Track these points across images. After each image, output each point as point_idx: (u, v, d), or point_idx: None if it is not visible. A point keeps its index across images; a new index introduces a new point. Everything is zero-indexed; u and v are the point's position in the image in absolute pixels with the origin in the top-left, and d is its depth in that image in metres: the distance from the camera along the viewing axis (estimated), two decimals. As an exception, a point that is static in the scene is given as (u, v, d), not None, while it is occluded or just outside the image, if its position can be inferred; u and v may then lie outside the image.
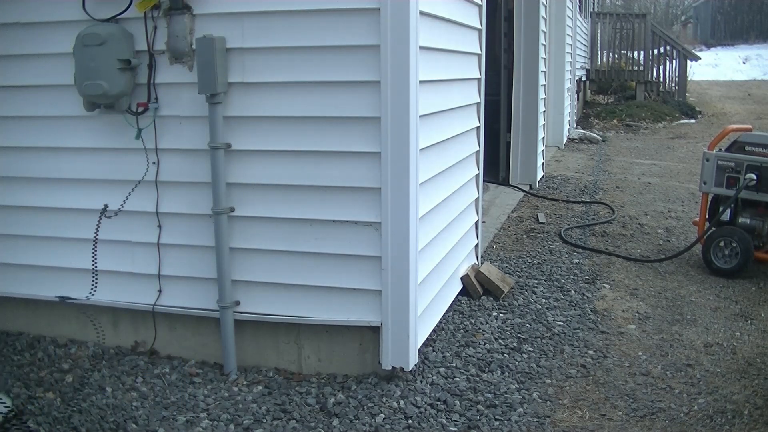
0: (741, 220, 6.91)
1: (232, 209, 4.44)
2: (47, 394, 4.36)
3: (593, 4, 24.04)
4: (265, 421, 4.06)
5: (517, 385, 4.50)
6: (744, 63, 49.20)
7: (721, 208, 6.98)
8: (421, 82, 4.29)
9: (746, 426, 4.17)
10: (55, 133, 4.78)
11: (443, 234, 5.10)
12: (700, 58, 25.59)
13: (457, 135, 5.34)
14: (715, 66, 42.29)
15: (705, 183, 7.05)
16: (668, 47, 22.95)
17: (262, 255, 4.50)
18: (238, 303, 4.53)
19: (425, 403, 4.24)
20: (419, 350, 4.63)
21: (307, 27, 4.21)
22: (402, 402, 4.23)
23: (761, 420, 4.24)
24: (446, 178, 5.12)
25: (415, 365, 4.54)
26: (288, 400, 4.25)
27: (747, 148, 6.88)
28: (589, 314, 5.66)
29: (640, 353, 5.06)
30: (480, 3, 5.80)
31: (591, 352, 5.03)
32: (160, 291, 4.68)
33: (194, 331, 4.72)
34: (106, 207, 4.69)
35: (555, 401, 4.35)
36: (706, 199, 7.17)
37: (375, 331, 4.42)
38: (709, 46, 61.43)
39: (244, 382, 4.46)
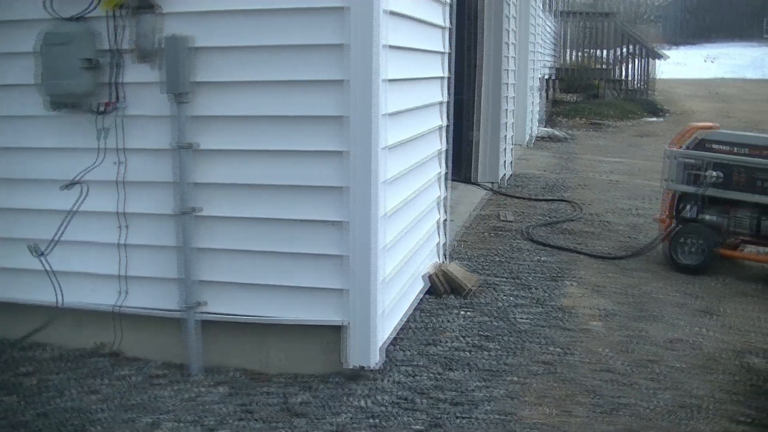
0: (705, 216, 6.96)
1: (199, 209, 4.42)
2: (8, 397, 4.31)
3: (560, 2, 24.10)
4: (229, 421, 4.04)
5: (481, 383, 4.50)
6: (710, 62, 49.52)
7: (684, 205, 7.03)
8: (386, 80, 4.30)
9: (708, 420, 4.20)
10: (18, 133, 4.73)
11: (408, 232, 5.11)
12: (667, 57, 25.74)
13: (422, 134, 5.35)
14: (682, 64, 42.54)
15: (669, 180, 7.10)
16: (635, 46, 23.09)
17: (228, 255, 4.49)
18: (203, 303, 4.51)
19: (390, 401, 4.24)
20: (384, 349, 4.63)
21: (274, 26, 4.22)
22: (366, 401, 4.23)
23: (723, 414, 4.28)
24: (411, 176, 5.13)
25: (380, 364, 4.54)
26: (252, 401, 4.23)
27: (710, 145, 6.93)
28: (553, 312, 5.68)
29: (604, 350, 5.08)
30: (446, 2, 5.81)
31: (555, 349, 5.05)
32: (124, 292, 4.65)
33: (159, 332, 4.70)
34: (72, 207, 4.66)
35: (519, 398, 4.36)
36: (669, 196, 7.22)
37: (339, 330, 4.42)
38: (675, 44, 61.75)
39: (208, 383, 4.44)
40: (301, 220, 4.34)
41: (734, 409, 4.34)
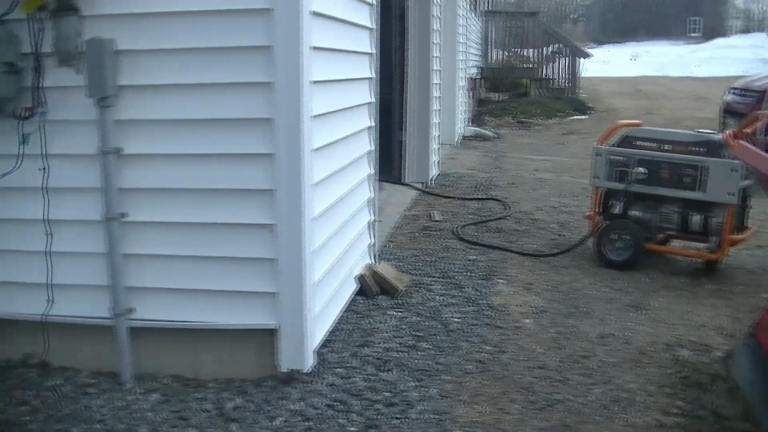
0: (632, 212, 7.05)
1: (125, 215, 4.36)
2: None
3: (486, 2, 24.26)
4: (162, 429, 3.99)
5: (415, 383, 4.51)
6: (634, 60, 50.24)
7: (612, 202, 7.11)
8: (313, 82, 4.28)
9: (641, 413, 4.26)
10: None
11: (338, 234, 5.10)
12: (592, 55, 26.09)
13: (350, 135, 5.34)
14: (606, 63, 43.13)
15: (596, 177, 7.18)
16: (560, 45, 23.35)
17: (157, 260, 4.44)
18: (133, 310, 4.45)
19: (324, 404, 4.22)
20: (317, 351, 4.61)
21: (199, 28, 4.17)
22: (301, 404, 4.21)
23: (654, 407, 4.34)
24: (340, 178, 5.12)
25: (313, 367, 4.52)
26: (185, 407, 4.19)
27: (636, 142, 7.02)
28: (485, 310, 5.71)
29: (536, 347, 5.12)
30: (372, 2, 5.81)
31: (488, 347, 5.07)
32: (51, 300, 4.57)
33: (89, 340, 4.62)
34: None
35: (453, 397, 4.37)
36: (597, 193, 7.29)
37: (272, 333, 4.39)
38: (599, 43, 62.59)
39: (141, 391, 4.38)
40: (231, 224, 4.31)
41: (666, 402, 4.40)
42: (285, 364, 4.41)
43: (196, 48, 4.19)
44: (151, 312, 4.47)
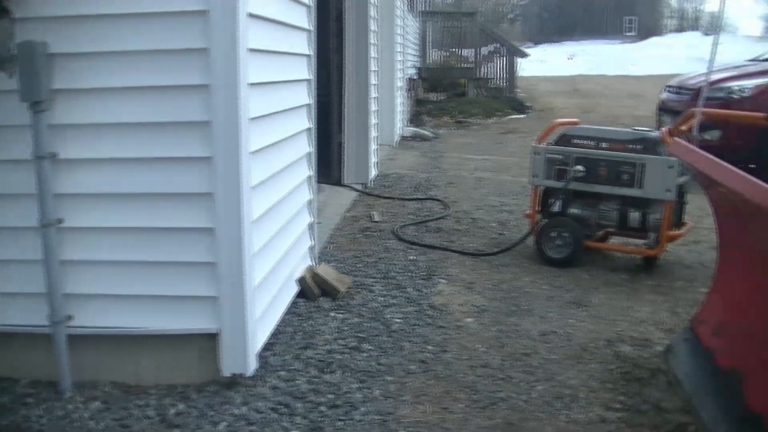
0: (571, 210, 7.10)
1: (61, 220, 4.30)
2: None
3: (423, 3, 24.34)
4: (103, 436, 3.96)
5: (358, 385, 4.50)
6: (571, 59, 50.63)
7: (551, 200, 7.16)
8: (251, 84, 4.26)
9: (583, 409, 4.29)
10: None
11: (278, 237, 5.08)
12: (529, 55, 26.28)
13: (288, 137, 5.32)
14: (543, 62, 43.44)
15: (535, 176, 7.22)
16: (497, 45, 23.48)
17: (95, 266, 4.38)
18: (71, 317, 4.39)
19: (267, 407, 4.20)
20: (259, 355, 4.59)
21: (136, 30, 4.12)
22: (244, 408, 4.18)
23: (597, 402, 4.37)
24: (279, 180, 5.10)
25: (256, 370, 4.50)
26: (127, 414, 4.13)
27: (574, 140, 7.07)
28: (426, 310, 5.71)
29: (478, 345, 5.13)
30: (309, 4, 5.79)
31: (430, 347, 5.08)
32: (-15, 309, 4.50)
33: (26, 349, 4.55)
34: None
35: (397, 398, 4.37)
36: (536, 191, 7.34)
37: (213, 338, 4.36)
38: (537, 42, 63.06)
39: (81, 399, 4.32)
40: (170, 228, 4.27)
41: (608, 397, 4.43)
42: (227, 369, 4.38)
43: (132, 51, 4.14)
44: (90, 319, 4.41)
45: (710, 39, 6.62)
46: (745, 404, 3.82)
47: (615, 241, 7.53)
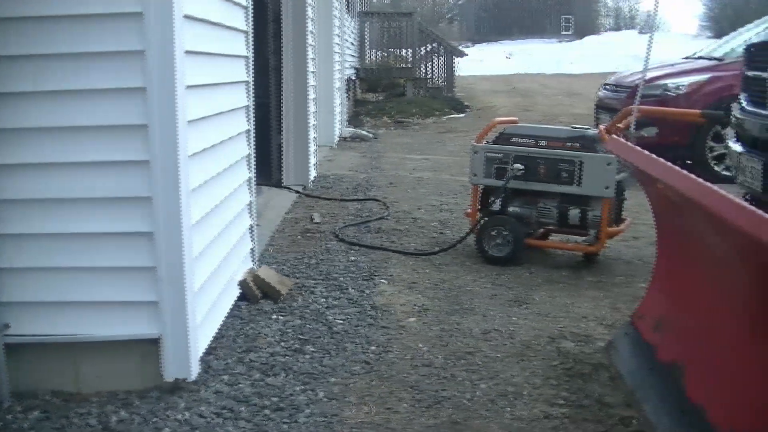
0: (511, 209, 7.14)
1: (-4, 227, 4.23)
2: None
3: (361, 3, 24.34)
4: (43, 446, 3.90)
5: (302, 387, 4.48)
6: (509, 58, 50.95)
7: (491, 199, 7.18)
8: (188, 87, 4.22)
9: (527, 406, 4.31)
10: None
11: (218, 240, 5.05)
12: (467, 54, 26.40)
13: (227, 139, 5.29)
14: (482, 61, 43.65)
15: (475, 175, 7.24)
16: (435, 44, 23.55)
17: (33, 273, 4.30)
18: (8, 326, 4.32)
19: (211, 412, 4.16)
20: (201, 359, 4.56)
21: (70, 33, 4.05)
22: (187, 413, 4.14)
23: (540, 399, 4.40)
24: (218, 183, 5.07)
25: (198, 375, 4.46)
26: (68, 423, 4.07)
27: (513, 139, 7.11)
28: (368, 311, 5.71)
29: (421, 345, 5.14)
30: (246, 5, 5.76)
31: (373, 347, 5.07)
32: None
33: (-38, 358, 4.48)
34: None
35: (341, 399, 4.36)
36: (476, 190, 7.36)
37: (155, 343, 4.31)
38: (475, 42, 63.38)
39: (20, 409, 4.23)
40: (108, 233, 4.22)
41: (551, 393, 4.46)
42: (170, 374, 4.34)
43: (67, 53, 4.08)
44: (28, 327, 4.33)
45: (646, 37, 6.68)
46: (686, 396, 3.86)
47: (555, 238, 7.59)
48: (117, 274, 4.27)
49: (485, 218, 7.18)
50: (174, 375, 4.34)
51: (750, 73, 6.66)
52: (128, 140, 4.12)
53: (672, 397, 3.99)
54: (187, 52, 4.21)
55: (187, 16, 4.20)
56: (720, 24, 51.96)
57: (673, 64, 13.14)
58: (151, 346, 4.33)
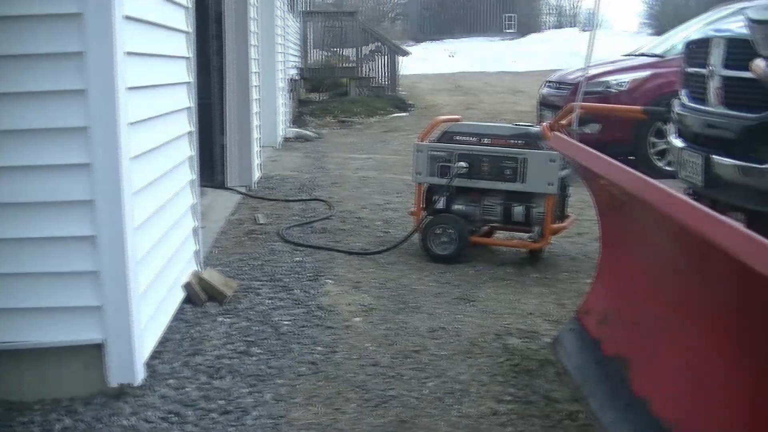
0: (455, 207, 7.15)
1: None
2: None
3: (303, 3, 24.29)
4: (-15, 456, 3.85)
5: (249, 389, 4.46)
6: (452, 56, 51.12)
7: (435, 197, 7.19)
8: (129, 88, 4.18)
9: (474, 403, 4.33)
10: None
11: (162, 242, 5.00)
12: (410, 53, 26.45)
13: (170, 141, 5.25)
14: (425, 60, 43.75)
15: (419, 173, 7.25)
16: (379, 44, 23.58)
17: (-29, 280, 4.26)
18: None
19: (157, 417, 4.12)
20: (146, 364, 4.51)
21: (8, 34, 3.98)
22: (133, 419, 4.09)
23: (488, 395, 4.42)
24: (162, 185, 5.03)
25: (144, 379, 4.42)
26: (10, 432, 4.04)
27: (456, 137, 7.13)
28: (314, 311, 5.69)
29: (368, 345, 5.13)
30: (187, 6, 5.72)
31: (320, 348, 5.06)
32: None
33: None
34: None
35: (288, 401, 4.34)
36: (420, 189, 7.37)
37: (99, 348, 4.26)
38: (418, 41, 63.54)
39: (-41, 419, 4.19)
40: (50, 238, 4.16)
41: (498, 390, 4.48)
42: (114, 379, 4.29)
43: (4, 55, 4.01)
44: (-32, 335, 4.28)
45: (588, 35, 6.74)
46: (632, 390, 3.90)
47: (500, 235, 7.62)
48: (60, 279, 4.21)
49: (430, 217, 7.19)
50: (119, 380, 4.29)
51: (690, 70, 6.73)
52: (69, 143, 4.07)
53: (617, 391, 4.02)
54: (128, 53, 4.16)
55: (127, 17, 4.16)
56: (660, 21, 52.59)
57: (614, 62, 13.27)
58: (95, 351, 4.28)
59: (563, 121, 7.09)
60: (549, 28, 71.96)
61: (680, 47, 8.40)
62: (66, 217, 4.14)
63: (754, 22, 5.36)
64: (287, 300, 5.90)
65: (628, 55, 13.90)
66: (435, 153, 7.15)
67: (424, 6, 75.77)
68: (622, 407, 3.90)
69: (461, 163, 6.97)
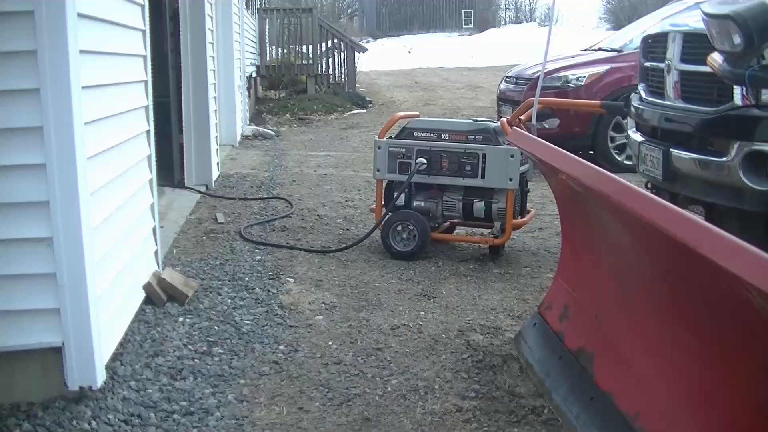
0: (416, 203, 7.15)
1: None
2: None
3: (260, 0, 24.21)
4: (-58, 463, 3.78)
5: (211, 390, 4.43)
6: (410, 53, 51.18)
7: (396, 194, 7.18)
8: (84, 87, 4.12)
9: (439, 400, 4.34)
10: None
11: (121, 243, 4.95)
12: (367, 50, 26.40)
13: (127, 140, 5.19)
14: (383, 56, 43.74)
15: (378, 170, 7.23)
16: (336, 40, 23.53)
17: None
18: None
19: (119, 420, 4.08)
20: (107, 366, 4.45)
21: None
22: (94, 422, 4.04)
23: (452, 392, 4.43)
24: (119, 185, 4.97)
25: (105, 382, 4.35)
26: (-33, 438, 3.97)
27: (416, 133, 7.12)
28: (276, 310, 5.67)
29: (330, 343, 5.12)
30: (142, 3, 5.66)
31: (282, 347, 5.04)
32: None
33: None
34: None
35: (251, 401, 4.32)
36: (380, 186, 7.35)
37: (58, 351, 4.20)
38: (375, 37, 63.60)
39: None
40: (4, 240, 4.09)
41: (462, 386, 4.49)
42: (74, 382, 4.22)
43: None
44: None
45: (546, 30, 6.75)
46: (595, 383, 3.92)
47: (461, 231, 7.62)
48: (15, 282, 4.14)
49: (390, 213, 7.17)
50: (79, 383, 4.23)
51: (647, 64, 6.76)
52: (23, 143, 4.00)
53: (581, 385, 4.04)
54: (82, 52, 4.10)
55: (80, 15, 4.09)
56: (618, 16, 53.04)
57: (572, 56, 13.31)
58: (54, 354, 4.22)
59: (522, 116, 7.11)
60: (507, 24, 72.34)
61: (638, 42, 8.44)
62: (21, 219, 4.08)
63: (710, 17, 5.39)
64: (248, 299, 5.86)
65: (587, 49, 13.96)
66: (394, 149, 7.14)
67: (381, 2, 75.91)
68: (587, 401, 3.92)
69: (421, 159, 6.96)
